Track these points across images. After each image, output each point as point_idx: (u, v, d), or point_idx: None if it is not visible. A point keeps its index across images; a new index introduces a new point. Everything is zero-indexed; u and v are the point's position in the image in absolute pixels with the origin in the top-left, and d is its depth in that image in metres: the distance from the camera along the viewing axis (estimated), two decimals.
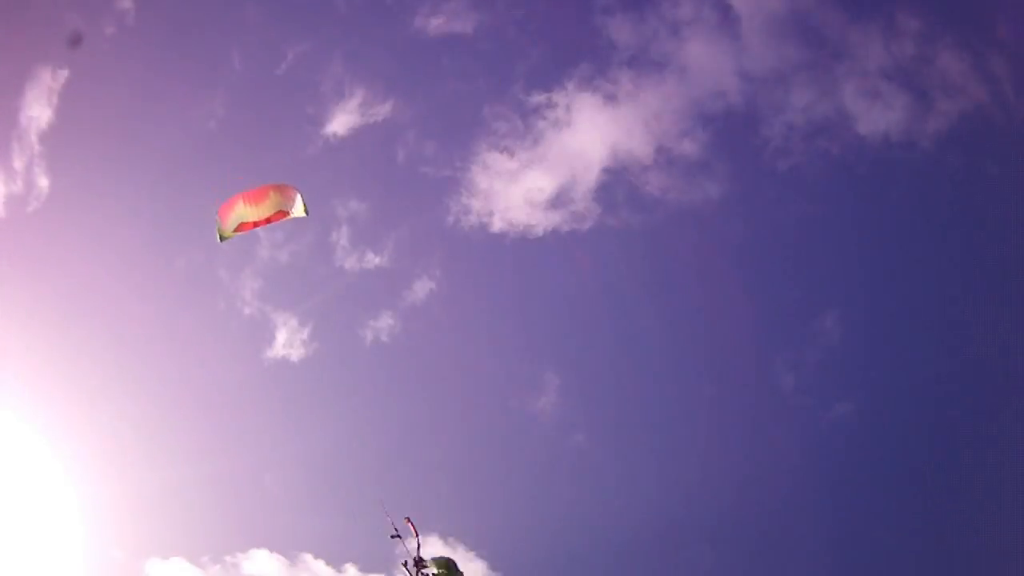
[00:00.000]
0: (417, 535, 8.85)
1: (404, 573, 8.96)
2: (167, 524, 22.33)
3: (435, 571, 8.85)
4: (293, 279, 22.46)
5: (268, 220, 10.02)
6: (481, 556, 20.39)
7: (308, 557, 20.81)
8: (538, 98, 21.82)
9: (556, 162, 22.06)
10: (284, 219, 10.07)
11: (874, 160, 21.10)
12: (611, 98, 22.16)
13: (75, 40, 22.15)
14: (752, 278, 22.65)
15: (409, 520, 8.80)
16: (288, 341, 21.68)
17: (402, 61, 23.38)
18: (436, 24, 22.08)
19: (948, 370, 20.88)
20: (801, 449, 21.49)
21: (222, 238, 9.98)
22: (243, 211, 9.91)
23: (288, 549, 21.04)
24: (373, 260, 21.68)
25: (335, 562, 20.85)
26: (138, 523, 22.21)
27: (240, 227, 10.02)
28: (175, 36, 23.25)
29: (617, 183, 21.90)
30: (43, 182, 21.97)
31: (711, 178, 21.90)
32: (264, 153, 23.15)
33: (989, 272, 20.46)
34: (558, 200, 21.57)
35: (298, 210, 9.92)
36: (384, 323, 21.85)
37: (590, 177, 21.68)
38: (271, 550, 20.95)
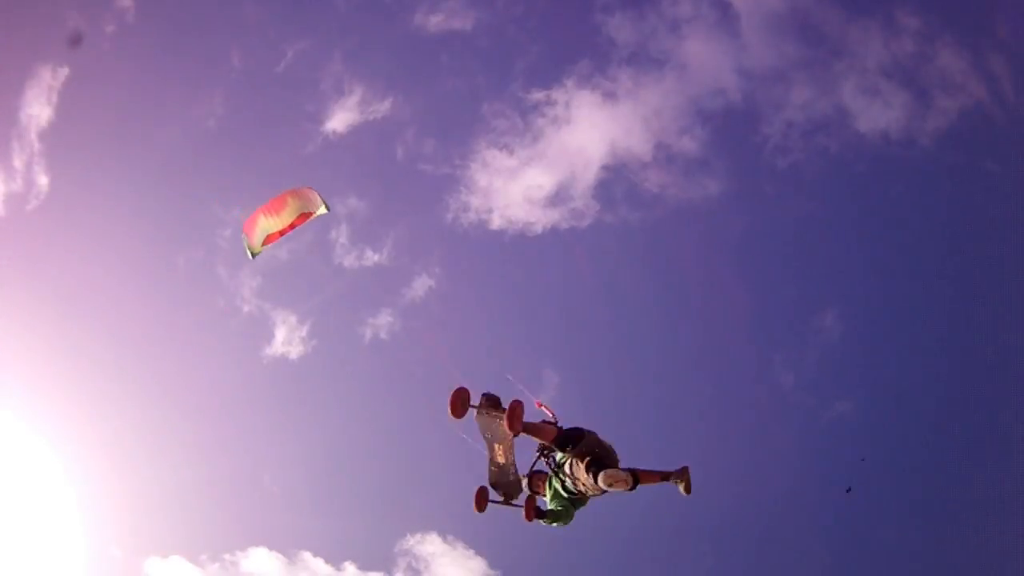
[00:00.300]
0: (554, 415, 7.94)
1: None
2: (166, 523, 22.40)
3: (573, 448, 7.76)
4: (292, 277, 22.45)
5: (292, 226, 9.97)
6: (480, 554, 20.38)
7: (307, 555, 20.84)
8: (537, 95, 21.76)
9: (555, 159, 22.02)
10: (308, 220, 10.00)
11: (874, 157, 21.05)
12: (610, 95, 22.12)
13: (75, 40, 22.15)
14: (751, 275, 22.61)
15: (541, 404, 7.98)
16: (287, 339, 21.67)
17: (401, 58, 23.35)
18: (435, 22, 22.03)
19: (948, 368, 20.88)
20: (801, 447, 21.48)
21: (253, 255, 10.01)
22: (266, 224, 9.88)
23: (287, 547, 21.08)
24: (372, 257, 21.63)
25: (334, 560, 20.88)
26: (137, 522, 22.27)
27: (267, 239, 9.99)
28: (175, 34, 23.24)
29: (616, 180, 21.85)
30: (43, 180, 21.97)
31: (710, 175, 21.86)
32: (264, 151, 23.13)
33: (989, 270, 20.44)
34: (557, 197, 21.53)
35: (320, 208, 9.91)
36: (383, 320, 21.82)
37: (589, 174, 21.64)
38: (270, 548, 20.99)
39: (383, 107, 22.06)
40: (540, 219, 21.41)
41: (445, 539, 20.68)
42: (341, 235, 21.36)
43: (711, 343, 22.26)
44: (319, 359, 22.33)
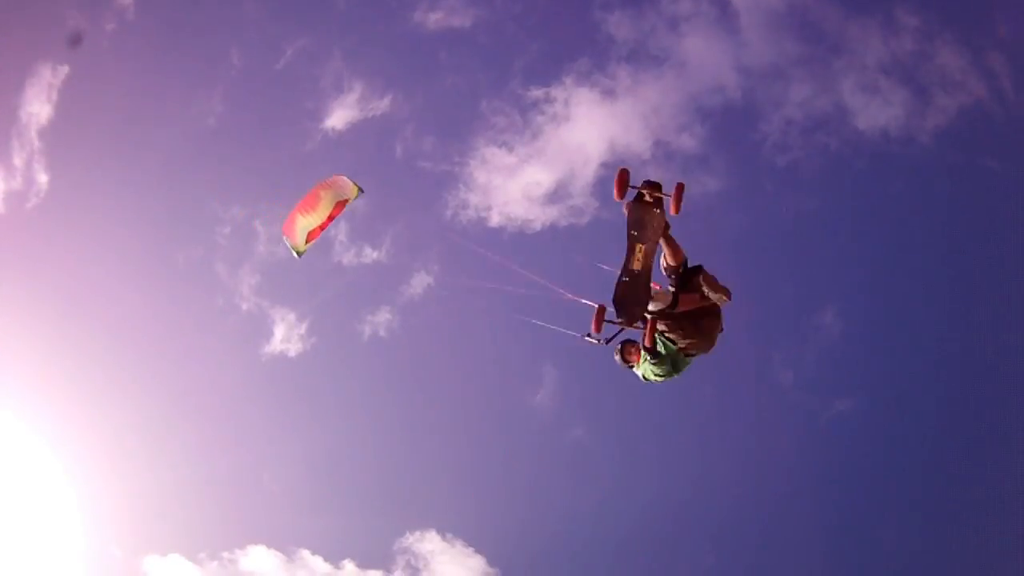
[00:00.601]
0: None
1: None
2: (165, 521, 22.40)
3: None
4: (291, 274, 22.46)
5: (331, 217, 9.83)
6: (480, 552, 20.34)
7: (306, 553, 20.82)
8: (536, 93, 21.74)
9: (554, 157, 22.00)
10: (345, 207, 9.85)
11: (873, 155, 21.05)
12: (609, 93, 22.09)
13: (75, 40, 22.21)
14: (750, 272, 22.53)
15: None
16: (286, 336, 21.66)
17: (401, 56, 23.35)
18: (435, 19, 22.02)
19: (949, 366, 20.85)
20: (801, 446, 21.44)
21: (299, 254, 9.92)
22: (305, 222, 9.77)
23: (286, 545, 21.06)
24: (371, 255, 21.63)
25: (333, 558, 20.87)
26: (136, 520, 22.28)
27: (310, 237, 9.86)
28: (174, 33, 23.28)
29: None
30: (42, 178, 22.00)
31: (709, 172, 21.84)
32: (263, 149, 23.15)
33: (989, 268, 20.42)
34: (556, 194, 21.50)
35: (353, 193, 9.79)
36: (382, 318, 21.81)
37: (588, 171, 21.62)
38: (269, 546, 20.98)
39: (382, 104, 22.06)
40: (539, 216, 21.38)
41: (444, 537, 20.67)
42: (340, 232, 21.36)
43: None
44: (318, 357, 22.35)
